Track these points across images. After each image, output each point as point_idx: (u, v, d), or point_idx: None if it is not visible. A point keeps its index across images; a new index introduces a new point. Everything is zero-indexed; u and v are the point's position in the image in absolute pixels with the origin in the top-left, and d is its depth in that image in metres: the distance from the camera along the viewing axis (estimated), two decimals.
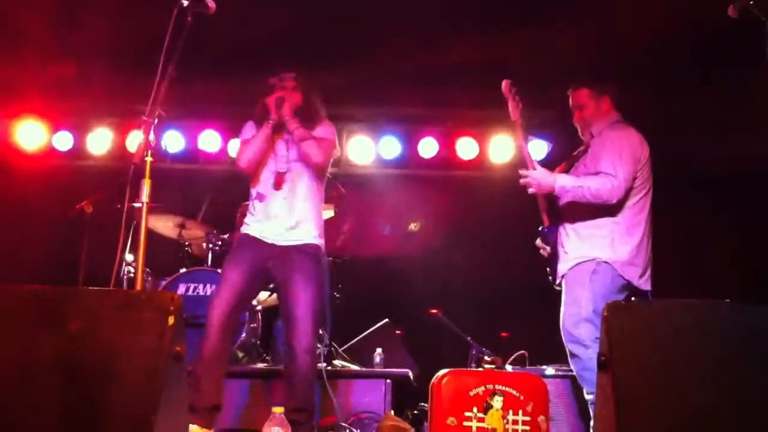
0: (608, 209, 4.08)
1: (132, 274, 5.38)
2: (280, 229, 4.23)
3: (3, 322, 2.52)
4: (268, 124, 4.27)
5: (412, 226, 6.45)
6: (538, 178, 4.17)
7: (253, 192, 4.34)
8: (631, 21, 5.31)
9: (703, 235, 6.01)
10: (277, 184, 4.26)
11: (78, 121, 7.11)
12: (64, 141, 7.08)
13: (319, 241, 4.30)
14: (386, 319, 6.15)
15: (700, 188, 6.05)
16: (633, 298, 4.10)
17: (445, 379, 3.43)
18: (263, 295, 5.85)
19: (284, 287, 4.15)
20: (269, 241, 4.23)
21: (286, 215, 4.24)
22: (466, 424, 3.32)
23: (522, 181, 4.21)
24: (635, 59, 5.58)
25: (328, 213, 6.05)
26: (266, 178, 4.30)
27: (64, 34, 5.65)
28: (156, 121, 3.52)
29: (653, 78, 5.80)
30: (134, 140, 6.85)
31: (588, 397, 3.94)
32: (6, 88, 6.41)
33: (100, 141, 7.09)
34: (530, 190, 4.23)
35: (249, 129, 4.40)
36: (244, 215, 6.11)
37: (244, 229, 4.34)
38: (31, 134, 7.03)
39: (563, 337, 4.07)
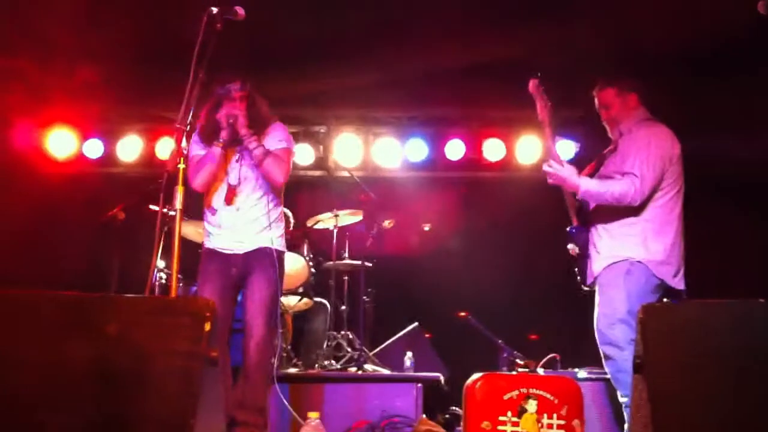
0: (640, 208, 4.04)
1: (164, 280, 5.42)
2: (233, 241, 4.24)
3: (40, 329, 2.56)
4: (218, 144, 4.18)
5: (426, 228, 6.45)
6: (564, 175, 4.14)
7: (205, 204, 4.32)
8: (660, 18, 5.26)
9: (737, 234, 5.93)
10: (228, 199, 4.23)
11: (108, 128, 7.18)
12: (94, 148, 7.15)
13: (278, 243, 4.30)
14: (416, 323, 6.15)
15: (733, 187, 5.98)
16: (667, 299, 4.06)
17: (479, 383, 3.42)
18: (293, 299, 5.87)
19: (246, 288, 4.23)
20: (228, 252, 4.24)
21: (240, 227, 4.24)
22: (500, 428, 3.31)
23: (544, 168, 4.20)
24: (663, 56, 5.53)
25: (356, 217, 6.07)
26: (217, 191, 4.26)
27: (92, 41, 5.70)
28: (188, 128, 3.55)
29: (682, 76, 5.73)
30: (165, 147, 6.91)
31: (623, 400, 3.91)
32: (36, 96, 6.48)
33: (130, 148, 7.15)
34: (550, 180, 4.22)
35: (196, 145, 4.26)
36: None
37: (206, 243, 4.34)
38: (61, 142, 7.10)
39: (597, 339, 4.04)
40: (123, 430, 2.42)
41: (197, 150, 4.24)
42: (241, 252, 4.22)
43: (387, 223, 6.05)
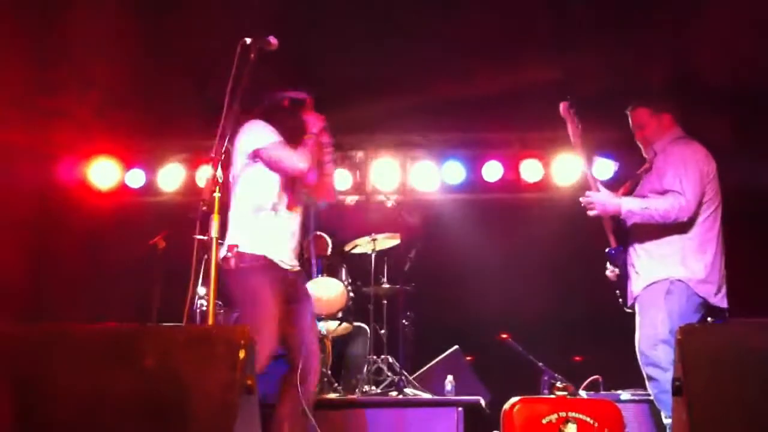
0: (679, 227, 4.00)
1: (205, 308, 5.47)
2: (293, 255, 4.04)
3: (83, 361, 2.61)
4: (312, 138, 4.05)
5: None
6: (603, 200, 4.12)
7: (267, 204, 3.99)
8: (707, 49, 5.25)
9: None
10: (293, 204, 4.06)
11: (149, 158, 7.31)
12: (136, 178, 7.29)
13: None
14: (456, 346, 6.12)
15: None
16: (710, 318, 4.00)
17: (516, 407, 3.39)
18: (333, 324, 5.89)
19: (297, 316, 4.01)
20: (285, 267, 3.98)
21: (296, 238, 4.08)
22: None
23: (583, 201, 4.17)
24: (707, 87, 5.51)
25: (394, 241, 6.08)
26: (283, 191, 4.03)
27: (134, 75, 5.84)
28: (223, 156, 3.60)
29: (719, 103, 5.69)
30: (204, 175, 7.01)
31: (666, 421, 3.84)
32: (79, 128, 6.63)
33: (171, 177, 7.28)
34: (592, 213, 4.18)
35: (276, 133, 4.03)
36: (314, 245, 6.22)
37: (262, 251, 3.91)
38: (104, 173, 7.24)
39: (640, 360, 3.98)
40: None
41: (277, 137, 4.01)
42: (293, 271, 4.02)
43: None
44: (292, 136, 4.04)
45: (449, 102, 6.22)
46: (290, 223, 4.05)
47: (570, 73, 5.45)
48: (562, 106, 4.26)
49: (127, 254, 6.46)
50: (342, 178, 7.11)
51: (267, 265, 3.91)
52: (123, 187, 7.28)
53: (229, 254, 3.85)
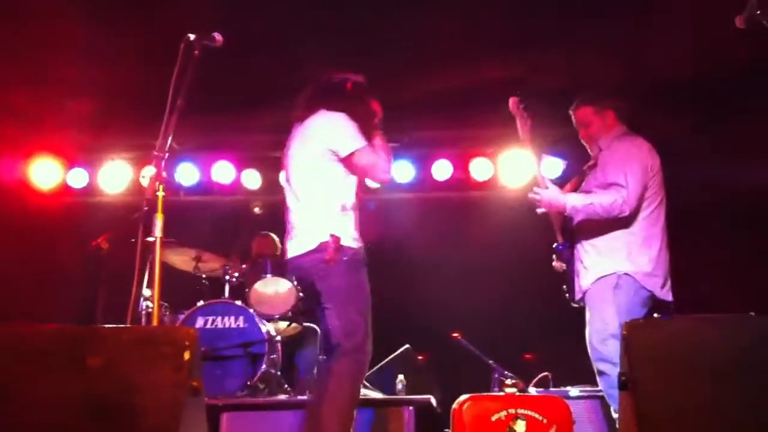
0: (623, 221, 4.06)
1: (150, 309, 5.38)
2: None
3: (26, 362, 2.54)
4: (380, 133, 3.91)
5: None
6: (549, 197, 4.16)
7: (348, 201, 3.84)
8: (654, 47, 5.32)
9: (728, 252, 5.96)
10: (360, 197, 3.92)
11: (92, 158, 7.16)
12: (78, 178, 7.13)
13: None
14: (407, 345, 6.10)
15: (726, 209, 6.02)
16: (656, 311, 4.06)
17: (466, 405, 3.39)
18: (282, 324, 5.83)
19: None
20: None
21: None
22: None
23: (530, 196, 4.21)
24: (658, 84, 5.59)
25: None
26: (358, 187, 3.90)
27: (79, 73, 5.71)
28: (167, 154, 3.53)
29: (663, 101, 5.78)
30: (147, 175, 6.89)
31: (616, 416, 3.88)
32: (20, 127, 6.48)
33: (114, 177, 7.14)
34: (539, 210, 4.21)
35: (361, 134, 3.82)
36: (260, 245, 6.16)
37: (356, 244, 3.80)
38: (45, 172, 7.08)
39: (590, 355, 4.02)
40: None
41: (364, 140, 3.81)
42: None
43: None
44: (363, 125, 3.85)
45: (398, 101, 6.19)
46: (359, 216, 3.90)
47: (520, 70, 5.47)
48: (512, 102, 4.29)
49: (69, 256, 6.33)
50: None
51: (362, 260, 3.81)
52: (65, 187, 7.12)
53: (332, 246, 3.66)
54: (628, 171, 4.03)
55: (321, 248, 3.70)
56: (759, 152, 5.56)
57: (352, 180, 3.87)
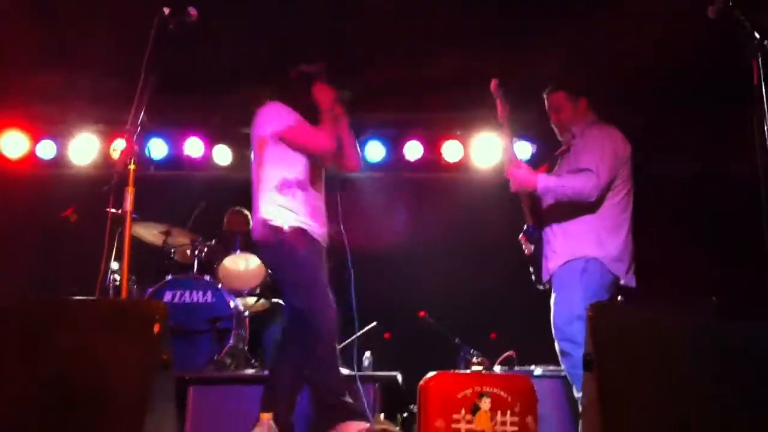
0: (592, 207, 4.12)
1: (118, 283, 5.35)
2: (323, 228, 4.15)
3: None
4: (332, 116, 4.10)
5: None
6: (521, 176, 4.20)
7: (295, 182, 4.05)
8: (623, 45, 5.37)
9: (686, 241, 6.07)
10: (317, 180, 4.15)
11: (61, 129, 7.08)
12: (47, 149, 7.05)
13: None
14: (374, 322, 6.14)
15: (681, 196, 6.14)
16: (619, 296, 4.13)
17: (432, 382, 3.43)
18: (250, 300, 5.84)
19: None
20: (319, 240, 4.11)
21: (324, 215, 4.18)
22: (454, 426, 3.33)
23: (506, 175, 4.24)
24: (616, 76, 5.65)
25: None
26: (313, 169, 4.12)
27: (47, 43, 5.63)
28: (139, 129, 3.52)
29: (634, 95, 5.85)
30: (117, 148, 6.83)
31: (578, 395, 3.96)
32: None
33: (83, 149, 7.07)
34: (512, 188, 4.26)
35: (296, 114, 4.09)
36: (232, 221, 6.15)
37: (306, 226, 4.01)
38: (13, 143, 6.99)
39: (555, 335, 4.09)
40: None
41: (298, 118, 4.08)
42: (325, 243, 4.16)
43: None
44: (308, 110, 4.10)
45: (371, 81, 6.20)
46: (317, 198, 4.12)
47: (494, 55, 5.49)
48: (493, 84, 4.31)
49: (37, 227, 6.28)
50: None
51: (306, 237, 3.98)
52: (33, 158, 7.04)
53: (265, 229, 3.94)
54: (599, 158, 4.08)
55: (269, 229, 3.97)
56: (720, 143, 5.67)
57: (297, 160, 4.06)
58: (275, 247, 3.99)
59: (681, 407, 2.45)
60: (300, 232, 3.97)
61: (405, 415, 5.11)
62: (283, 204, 3.99)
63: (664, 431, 2.44)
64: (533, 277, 4.32)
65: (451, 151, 7.10)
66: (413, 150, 7.11)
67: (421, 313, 5.83)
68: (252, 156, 4.18)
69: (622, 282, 4.11)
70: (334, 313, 4.02)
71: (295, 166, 4.06)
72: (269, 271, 5.65)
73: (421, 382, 3.49)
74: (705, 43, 4.67)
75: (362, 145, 7.14)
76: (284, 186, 4.01)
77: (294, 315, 4.15)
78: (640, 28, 5.20)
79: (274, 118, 4.09)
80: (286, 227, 3.95)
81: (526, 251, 4.37)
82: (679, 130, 6.09)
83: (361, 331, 6.05)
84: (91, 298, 3.47)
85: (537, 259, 4.29)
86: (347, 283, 4.44)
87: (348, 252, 4.31)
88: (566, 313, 4.02)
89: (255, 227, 4.08)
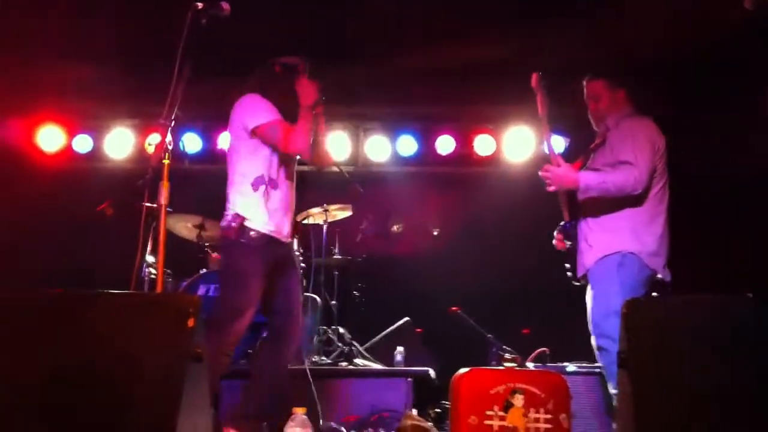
0: (630, 200, 4.05)
1: (153, 276, 5.41)
2: (287, 223, 4.12)
3: (29, 327, 2.56)
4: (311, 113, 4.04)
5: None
6: (561, 175, 4.14)
7: (266, 177, 4.03)
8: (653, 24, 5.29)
9: (726, 232, 5.97)
10: (290, 176, 4.15)
11: (97, 124, 7.17)
12: (83, 144, 7.15)
13: None
14: (407, 318, 6.15)
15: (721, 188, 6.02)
16: (655, 291, 4.08)
17: (465, 378, 3.42)
18: None
19: (286, 283, 4.12)
20: (282, 239, 4.08)
21: (292, 210, 4.20)
22: (487, 422, 3.31)
23: (542, 174, 4.19)
24: (655, 62, 5.56)
25: (346, 213, 6.06)
26: (280, 164, 4.09)
27: (83, 37, 5.69)
28: (173, 122, 3.54)
29: (667, 81, 5.76)
30: (152, 143, 6.90)
31: (613, 392, 3.91)
32: (26, 91, 6.47)
33: (119, 143, 7.15)
34: (550, 188, 4.20)
35: (274, 110, 4.07)
36: None
37: (257, 226, 3.98)
38: (50, 137, 7.09)
39: (591, 331, 4.04)
40: (112, 429, 2.42)
41: (277, 116, 4.06)
42: (286, 242, 4.14)
43: (396, 228, 6.09)
44: (287, 104, 4.05)
45: (403, 74, 6.19)
46: (288, 194, 4.11)
47: (526, 48, 5.45)
48: (534, 78, 4.27)
49: (72, 221, 6.35)
50: None
51: (268, 242, 3.98)
52: (69, 152, 7.14)
53: (234, 224, 3.91)
54: (637, 150, 4.02)
55: (227, 225, 3.97)
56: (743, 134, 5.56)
57: (270, 155, 4.04)
58: (236, 245, 3.95)
59: (717, 405, 2.42)
60: (267, 240, 3.98)
61: (437, 410, 5.11)
62: (256, 202, 3.98)
63: (699, 430, 2.40)
64: (568, 273, 4.27)
65: (483, 145, 7.06)
66: (445, 144, 7.09)
67: (453, 309, 5.82)
68: (227, 147, 4.20)
69: (659, 276, 4.06)
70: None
71: (270, 162, 4.04)
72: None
73: (454, 378, 3.48)
74: (737, 33, 4.58)
75: (394, 139, 7.15)
76: (258, 182, 4.00)
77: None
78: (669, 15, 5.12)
79: (250, 111, 4.05)
80: (255, 232, 3.95)
81: (561, 248, 4.31)
82: (707, 119, 5.96)
83: (393, 327, 6.08)
84: (126, 291, 3.51)
85: (572, 254, 4.24)
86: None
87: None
88: (602, 309, 3.96)
89: (225, 218, 4.02)
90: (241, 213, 3.96)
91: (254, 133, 4.01)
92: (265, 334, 4.42)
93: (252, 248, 3.94)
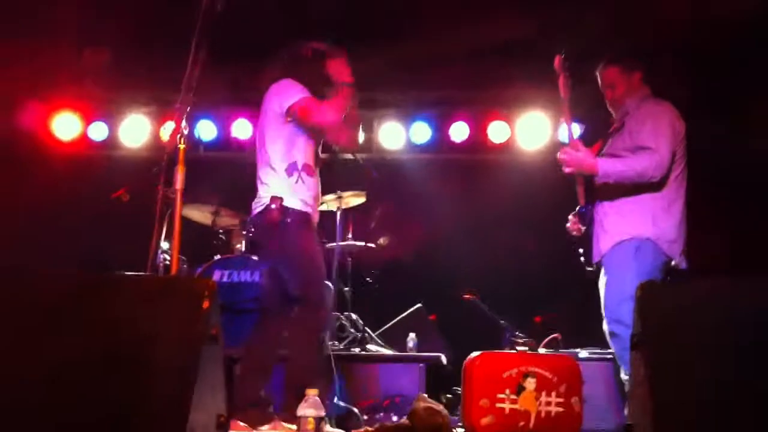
0: (648, 185, 4.00)
1: (168, 262, 5.44)
2: (317, 212, 4.21)
3: (46, 306, 2.59)
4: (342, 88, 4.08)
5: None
6: (580, 159, 4.10)
7: (296, 164, 4.07)
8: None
9: (739, 216, 5.93)
10: (319, 163, 4.21)
11: (113, 111, 7.20)
12: (98, 131, 7.18)
13: None
14: (419, 304, 6.16)
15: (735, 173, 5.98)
16: (670, 278, 4.06)
17: (478, 361, 3.43)
18: None
19: None
20: (315, 224, 4.18)
21: (320, 198, 4.26)
22: (499, 405, 3.33)
23: (560, 157, 4.15)
24: (669, 41, 5.51)
25: (360, 199, 6.08)
26: (313, 152, 4.15)
27: (99, 24, 5.72)
28: (189, 107, 3.56)
29: (684, 58, 5.70)
30: (167, 130, 6.92)
31: (625, 377, 3.91)
32: (42, 79, 6.50)
33: (134, 131, 7.18)
34: (567, 170, 4.17)
35: (305, 90, 4.09)
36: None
37: (297, 206, 4.02)
38: (66, 124, 7.13)
39: (605, 316, 4.02)
40: (126, 408, 2.44)
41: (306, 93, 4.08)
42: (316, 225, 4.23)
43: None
44: (319, 86, 4.11)
45: (416, 61, 6.18)
46: (318, 183, 4.17)
47: (538, 33, 5.42)
48: (557, 60, 4.23)
49: (88, 209, 6.39)
50: None
51: (308, 221, 4.06)
52: (85, 140, 7.17)
53: (274, 206, 3.94)
54: (659, 135, 3.97)
55: (268, 210, 3.97)
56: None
57: (305, 142, 4.08)
58: (283, 226, 3.97)
59: (732, 388, 2.42)
60: (305, 218, 4.04)
61: (449, 396, 5.13)
62: (292, 186, 4.02)
63: (715, 413, 2.40)
64: (582, 259, 4.23)
65: (497, 132, 7.05)
66: (459, 131, 7.08)
67: (467, 296, 5.83)
68: (259, 132, 4.21)
69: (674, 263, 4.03)
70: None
71: (304, 149, 4.09)
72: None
73: (467, 361, 3.50)
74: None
75: (408, 126, 7.15)
76: (292, 169, 4.04)
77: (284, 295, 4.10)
78: None
79: (284, 93, 4.08)
80: (296, 211, 3.99)
81: (575, 233, 4.29)
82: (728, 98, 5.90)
83: (406, 313, 6.10)
84: (142, 273, 3.54)
85: (587, 239, 4.20)
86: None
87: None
88: (617, 294, 3.93)
89: (260, 205, 4.05)
90: (279, 195, 3.99)
91: (289, 112, 4.03)
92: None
93: (298, 224, 3.99)
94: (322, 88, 4.11)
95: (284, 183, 4.01)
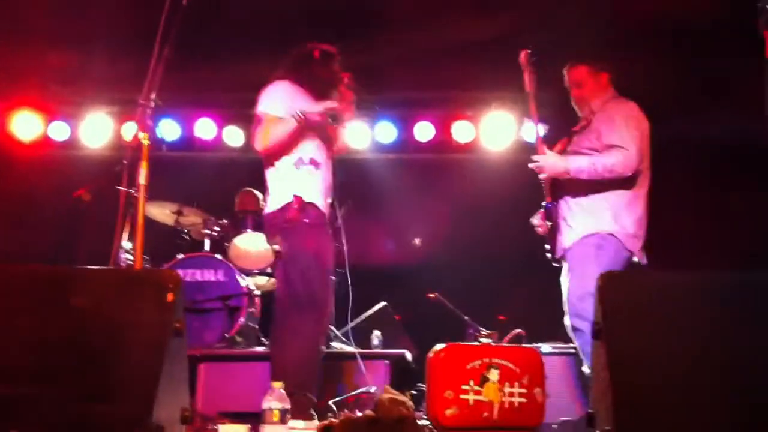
0: (610, 182, 4.08)
1: (130, 261, 5.39)
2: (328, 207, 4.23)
3: (13, 300, 2.58)
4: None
5: (417, 241, 6.54)
6: (551, 162, 4.16)
7: (305, 157, 4.12)
8: None
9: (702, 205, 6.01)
10: (329, 158, 4.25)
11: (74, 110, 7.12)
12: (60, 131, 7.10)
13: None
14: (383, 302, 6.17)
15: (696, 160, 6.06)
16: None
17: (442, 354, 3.46)
18: (261, 280, 5.88)
19: None
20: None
21: (331, 191, 4.28)
22: (463, 396, 3.35)
23: (532, 165, 4.20)
24: (638, 33, 5.58)
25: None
26: (316, 147, 4.19)
27: (60, 24, 5.66)
28: (152, 104, 3.55)
29: (653, 52, 5.77)
30: (130, 129, 6.86)
31: (587, 371, 3.96)
32: (2, 78, 6.42)
33: (96, 131, 7.09)
34: (542, 176, 4.22)
35: (285, 101, 4.12)
36: (243, 201, 6.16)
37: (316, 201, 4.09)
38: (26, 125, 7.03)
39: (567, 311, 4.08)
40: (93, 398, 2.44)
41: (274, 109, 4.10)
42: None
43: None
44: (322, 88, 4.18)
45: (381, 60, 6.19)
46: (327, 176, 4.18)
47: (504, 31, 5.47)
48: (523, 54, 4.28)
49: (50, 207, 6.32)
50: None
51: (325, 221, 4.12)
52: (46, 140, 7.09)
53: (295, 205, 3.96)
54: (626, 133, 4.05)
55: (285, 208, 4.00)
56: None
57: (312, 143, 4.13)
58: (301, 227, 4.00)
59: (691, 372, 2.48)
60: (322, 218, 4.09)
61: (414, 392, 5.14)
62: (306, 181, 4.06)
63: (674, 396, 2.46)
64: (548, 254, 4.30)
65: (462, 132, 7.08)
66: (424, 131, 7.10)
67: (432, 296, 5.85)
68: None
69: (635, 259, 4.10)
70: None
71: (305, 145, 4.12)
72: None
73: (431, 354, 3.52)
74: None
75: (372, 126, 7.16)
76: (300, 163, 4.08)
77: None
78: None
79: (264, 97, 4.15)
80: (315, 209, 4.04)
81: (541, 229, 4.34)
82: (689, 90, 5.98)
83: (370, 311, 6.10)
84: (108, 267, 3.52)
85: (553, 234, 4.27)
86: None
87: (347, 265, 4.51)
88: (579, 290, 3.99)
89: (276, 202, 4.07)
90: (298, 193, 4.01)
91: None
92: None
93: (317, 226, 4.05)
94: (325, 90, 4.18)
95: (296, 178, 4.05)
